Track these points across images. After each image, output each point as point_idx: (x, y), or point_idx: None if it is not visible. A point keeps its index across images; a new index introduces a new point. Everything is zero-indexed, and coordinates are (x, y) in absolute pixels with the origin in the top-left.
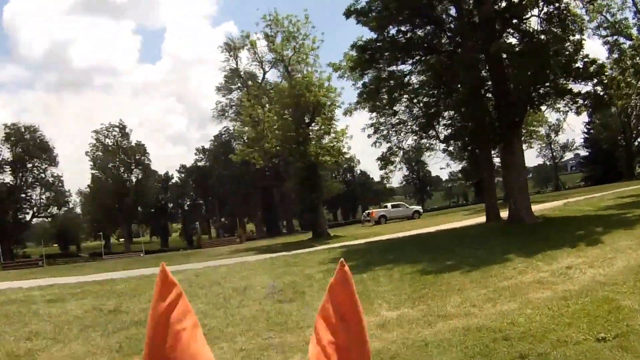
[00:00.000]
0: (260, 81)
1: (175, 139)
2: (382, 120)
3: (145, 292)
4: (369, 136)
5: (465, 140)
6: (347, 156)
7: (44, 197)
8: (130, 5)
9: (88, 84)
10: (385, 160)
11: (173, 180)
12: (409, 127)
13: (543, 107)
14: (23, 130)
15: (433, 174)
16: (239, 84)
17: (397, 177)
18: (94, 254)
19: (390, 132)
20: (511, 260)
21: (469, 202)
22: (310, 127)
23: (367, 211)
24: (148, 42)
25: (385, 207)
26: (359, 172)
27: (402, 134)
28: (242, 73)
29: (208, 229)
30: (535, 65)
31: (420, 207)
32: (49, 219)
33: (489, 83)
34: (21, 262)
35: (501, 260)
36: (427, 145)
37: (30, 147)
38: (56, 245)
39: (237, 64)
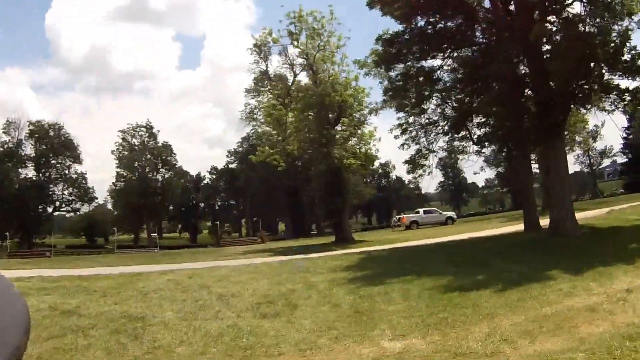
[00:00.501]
0: (290, 84)
1: (212, 141)
2: (410, 120)
3: (121, 291)
4: (396, 137)
5: (501, 143)
6: (380, 161)
7: (66, 192)
8: (171, 14)
9: (127, 88)
10: (413, 164)
11: (205, 181)
12: (439, 127)
13: (588, 105)
14: (47, 127)
15: (469, 181)
16: (268, 87)
17: (432, 184)
18: (120, 246)
19: (419, 133)
20: (555, 278)
21: (505, 209)
22: (335, 129)
23: (397, 216)
24: (188, 49)
25: (417, 212)
26: (394, 177)
27: (432, 135)
28: (272, 76)
29: (239, 228)
30: (579, 56)
31: (454, 213)
32: (73, 213)
33: (527, 81)
34: (28, 251)
35: (543, 278)
36: (460, 148)
37: (55, 144)
38: (84, 237)
39: (267, 67)
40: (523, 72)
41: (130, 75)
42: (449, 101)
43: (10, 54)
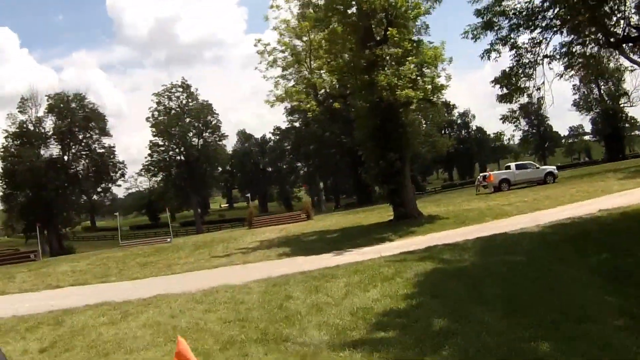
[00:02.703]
0: None
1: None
2: (496, 8)
3: None
4: (475, 38)
5: None
6: (458, 110)
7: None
8: None
9: (198, 58)
10: (509, 82)
11: (270, 144)
12: (549, 17)
13: None
14: (67, 100)
15: (554, 129)
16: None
17: (515, 133)
18: (185, 223)
19: (515, 28)
20: None
21: (592, 159)
22: (382, 48)
23: (482, 174)
24: (254, 12)
25: (508, 167)
26: (474, 127)
27: (535, 32)
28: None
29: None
30: None
31: (555, 167)
32: (103, 194)
33: None
34: (18, 254)
35: None
36: (591, 53)
37: (78, 117)
38: (145, 216)
39: None
40: None
41: (199, 45)
42: None
43: (75, 38)
